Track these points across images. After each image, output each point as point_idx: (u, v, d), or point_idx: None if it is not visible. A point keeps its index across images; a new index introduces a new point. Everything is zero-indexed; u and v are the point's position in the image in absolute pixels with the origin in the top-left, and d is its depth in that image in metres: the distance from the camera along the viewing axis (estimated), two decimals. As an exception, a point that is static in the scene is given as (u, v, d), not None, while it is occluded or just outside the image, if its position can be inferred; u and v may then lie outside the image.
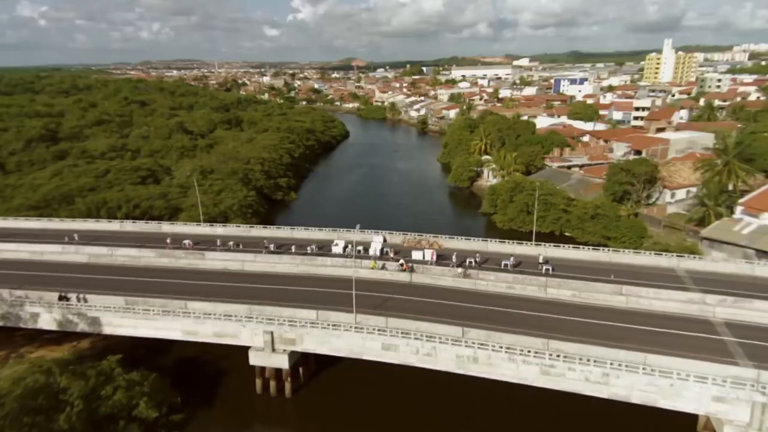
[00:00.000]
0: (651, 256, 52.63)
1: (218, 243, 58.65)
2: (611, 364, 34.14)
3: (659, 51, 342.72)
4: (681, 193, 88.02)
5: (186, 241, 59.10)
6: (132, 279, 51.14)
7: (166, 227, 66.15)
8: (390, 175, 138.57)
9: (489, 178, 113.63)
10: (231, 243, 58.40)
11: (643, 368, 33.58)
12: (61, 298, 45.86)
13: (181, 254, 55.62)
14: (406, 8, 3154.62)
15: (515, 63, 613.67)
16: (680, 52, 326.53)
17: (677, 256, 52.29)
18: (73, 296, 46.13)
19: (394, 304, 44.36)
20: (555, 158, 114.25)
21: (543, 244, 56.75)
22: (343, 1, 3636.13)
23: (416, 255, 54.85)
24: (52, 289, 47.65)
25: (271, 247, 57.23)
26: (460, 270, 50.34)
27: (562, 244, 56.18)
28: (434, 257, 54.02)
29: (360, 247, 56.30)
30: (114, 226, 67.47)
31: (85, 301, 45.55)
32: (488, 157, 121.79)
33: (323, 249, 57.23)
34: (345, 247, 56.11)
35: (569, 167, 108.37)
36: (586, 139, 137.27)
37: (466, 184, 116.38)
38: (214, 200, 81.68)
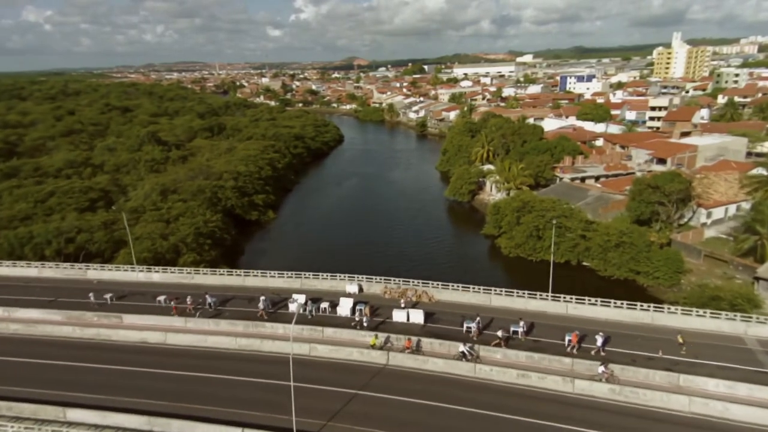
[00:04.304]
0: (707, 318, 39.57)
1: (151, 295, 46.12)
2: None
3: (665, 45, 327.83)
4: (718, 212, 74.75)
5: (108, 296, 46.68)
6: (16, 361, 38.43)
7: (93, 273, 53.52)
8: (383, 188, 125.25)
9: (492, 192, 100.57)
10: (163, 298, 45.80)
11: None
12: None
13: (92, 318, 42.88)
14: (409, 6, 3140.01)
15: (518, 60, 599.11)
16: (689, 46, 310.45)
17: (742, 318, 39.13)
18: None
19: (359, 409, 31.44)
20: (566, 168, 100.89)
21: (562, 297, 43.70)
22: (345, 1, 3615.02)
23: (398, 316, 42.17)
24: None
25: (212, 302, 44.60)
26: (601, 370, 32.49)
27: (587, 298, 43.07)
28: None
29: (326, 304, 43.71)
30: (31, 271, 55.00)
31: (-70, 405, 32.96)
32: (491, 166, 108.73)
33: (279, 304, 44.80)
34: (305, 304, 43.52)
35: (583, 179, 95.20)
36: (599, 143, 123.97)
37: (467, 198, 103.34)
38: (165, 230, 68.50)
